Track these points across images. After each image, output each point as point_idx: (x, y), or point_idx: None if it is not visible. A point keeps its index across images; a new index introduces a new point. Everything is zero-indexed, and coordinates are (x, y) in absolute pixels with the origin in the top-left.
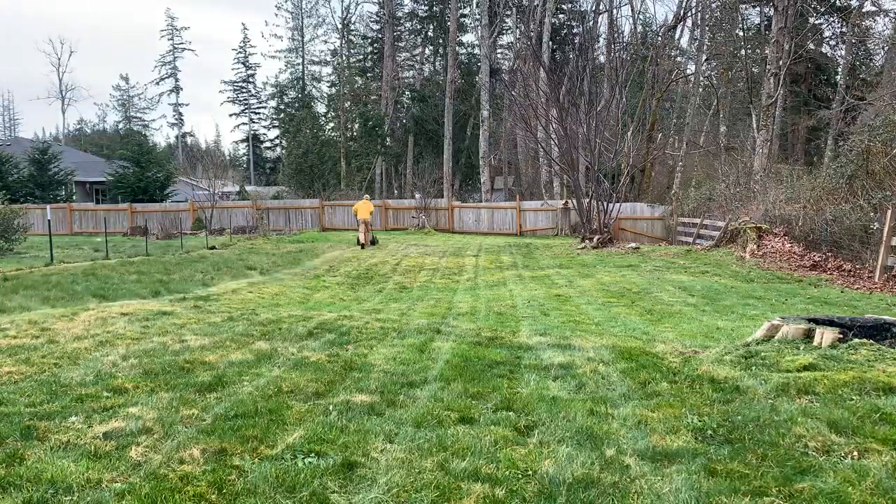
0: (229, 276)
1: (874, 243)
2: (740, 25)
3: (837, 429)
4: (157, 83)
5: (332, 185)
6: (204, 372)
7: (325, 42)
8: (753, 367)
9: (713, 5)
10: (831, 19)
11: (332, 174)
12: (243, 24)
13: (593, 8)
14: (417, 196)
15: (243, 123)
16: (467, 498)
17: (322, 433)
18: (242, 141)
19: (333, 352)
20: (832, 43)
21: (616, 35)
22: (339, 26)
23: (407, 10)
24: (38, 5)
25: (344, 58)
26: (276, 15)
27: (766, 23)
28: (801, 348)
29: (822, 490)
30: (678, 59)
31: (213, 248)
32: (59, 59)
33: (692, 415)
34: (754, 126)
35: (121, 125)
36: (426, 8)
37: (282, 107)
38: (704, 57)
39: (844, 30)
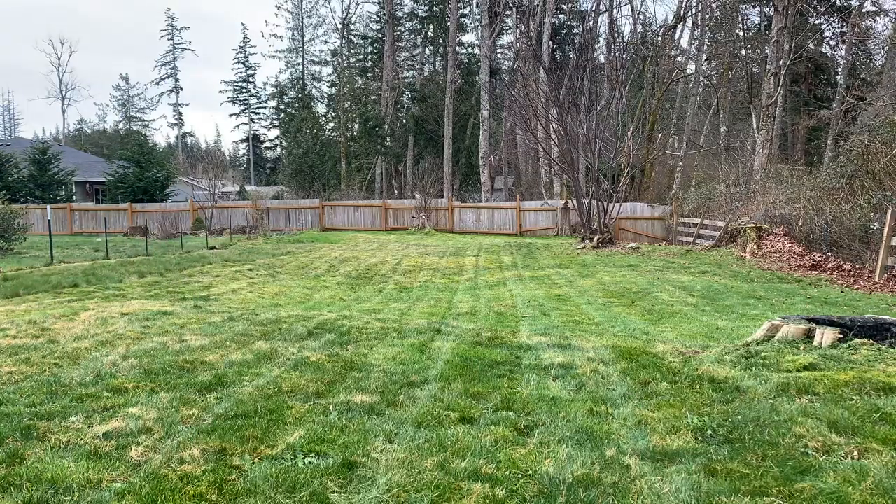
0: (230, 277)
1: (874, 243)
2: (740, 25)
3: (837, 429)
4: (157, 83)
5: (332, 185)
6: (204, 372)
7: (326, 42)
8: (753, 367)
9: (713, 5)
10: (831, 19)
11: (332, 174)
12: (243, 24)
13: (593, 8)
14: (417, 196)
15: (243, 123)
16: (467, 498)
17: (322, 433)
18: (242, 141)
19: (333, 352)
20: (832, 43)
21: (616, 35)
22: (340, 26)
23: (407, 10)
24: (38, 4)
25: (344, 58)
26: (277, 15)
27: (766, 23)
28: (802, 348)
29: (822, 490)
30: (678, 59)
31: (213, 247)
32: (59, 59)
33: (692, 415)
34: (754, 126)
35: (121, 125)
36: (426, 8)
37: (282, 107)
38: (704, 57)
39: (844, 30)
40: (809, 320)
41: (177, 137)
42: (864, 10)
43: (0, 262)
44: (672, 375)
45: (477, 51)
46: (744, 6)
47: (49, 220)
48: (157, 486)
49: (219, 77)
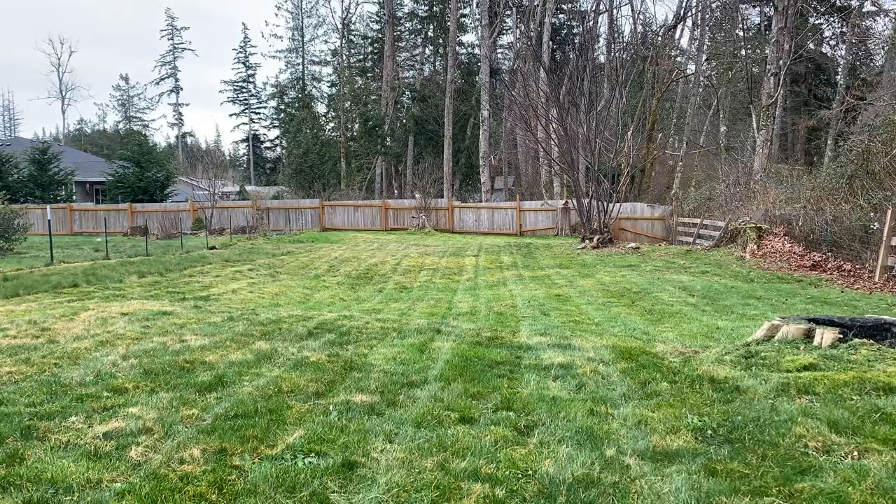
0: (230, 277)
1: (874, 243)
2: (740, 25)
3: (837, 429)
4: (157, 83)
5: (332, 185)
6: (204, 372)
7: (326, 42)
8: (753, 367)
9: (713, 5)
10: (831, 19)
11: (332, 174)
12: (244, 23)
13: (593, 8)
14: (417, 196)
15: (243, 123)
16: (467, 498)
17: (322, 433)
18: (242, 141)
19: (333, 352)
20: (832, 43)
21: (616, 35)
22: (340, 26)
23: (407, 10)
24: (38, 4)
25: (344, 58)
26: (276, 15)
27: (766, 23)
28: (802, 348)
29: (822, 490)
30: (678, 59)
31: (213, 247)
32: (59, 59)
33: (692, 415)
34: (754, 126)
35: (121, 125)
36: (426, 8)
37: (282, 107)
38: (704, 57)
39: (844, 30)
40: (809, 320)
41: (177, 137)
42: (864, 10)
43: (0, 262)
44: (672, 375)
45: (477, 51)
46: (744, 6)
47: (49, 220)
48: (157, 486)
49: (219, 77)
